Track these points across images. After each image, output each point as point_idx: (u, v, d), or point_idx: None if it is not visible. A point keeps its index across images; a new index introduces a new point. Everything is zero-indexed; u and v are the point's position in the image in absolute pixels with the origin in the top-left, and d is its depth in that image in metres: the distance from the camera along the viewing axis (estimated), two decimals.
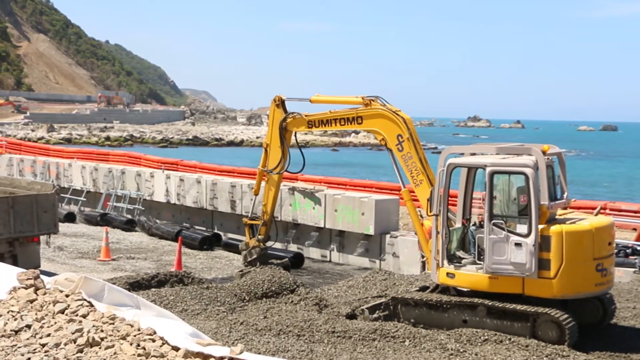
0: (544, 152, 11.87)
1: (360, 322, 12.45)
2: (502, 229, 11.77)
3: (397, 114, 14.17)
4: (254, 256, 16.64)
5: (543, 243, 11.53)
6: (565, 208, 12.76)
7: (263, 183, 17.09)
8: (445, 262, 12.44)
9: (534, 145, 12.19)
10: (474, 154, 12.99)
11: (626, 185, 61.78)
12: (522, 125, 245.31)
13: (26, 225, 16.06)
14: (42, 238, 17.17)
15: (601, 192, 51.20)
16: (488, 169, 11.96)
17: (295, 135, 16.56)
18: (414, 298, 12.80)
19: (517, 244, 11.63)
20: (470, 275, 12.22)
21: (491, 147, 12.81)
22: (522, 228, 11.77)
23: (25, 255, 16.02)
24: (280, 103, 16.23)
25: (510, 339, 11.34)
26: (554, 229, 11.55)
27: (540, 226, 11.57)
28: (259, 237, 16.69)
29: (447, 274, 12.43)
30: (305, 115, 15.71)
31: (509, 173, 12.11)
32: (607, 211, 20.48)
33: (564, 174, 12.69)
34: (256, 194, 17.35)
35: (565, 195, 12.63)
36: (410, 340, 11.25)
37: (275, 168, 16.38)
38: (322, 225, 21.37)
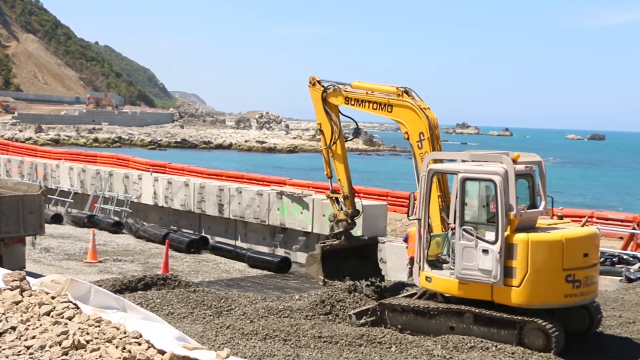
0: (514, 161, 11.89)
1: (347, 327, 12.43)
2: (472, 235, 11.85)
3: (424, 112, 14.04)
4: (340, 229, 16.30)
5: (509, 251, 11.56)
6: (538, 216, 12.69)
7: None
8: (426, 266, 12.57)
9: (504, 152, 12.24)
10: (452, 161, 13.14)
11: (610, 193, 62.11)
12: (511, 133, 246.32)
13: (12, 226, 15.97)
14: (28, 239, 17.07)
15: (580, 200, 51.28)
16: (460, 175, 12.14)
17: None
18: (401, 304, 12.82)
19: (485, 251, 11.69)
20: (444, 280, 12.34)
21: (465, 154, 12.93)
22: (490, 235, 11.81)
23: (10, 256, 15.93)
24: (316, 82, 16.22)
25: (496, 347, 11.35)
26: (520, 237, 11.54)
27: (508, 234, 11.59)
28: (347, 210, 16.36)
29: (426, 277, 12.59)
30: (345, 90, 15.64)
31: (479, 180, 12.21)
32: (594, 220, 20.56)
33: (543, 183, 12.73)
34: (328, 177, 16.96)
35: (543, 204, 12.64)
36: (396, 346, 11.25)
37: (331, 140, 16.26)
38: (309, 230, 21.36)
